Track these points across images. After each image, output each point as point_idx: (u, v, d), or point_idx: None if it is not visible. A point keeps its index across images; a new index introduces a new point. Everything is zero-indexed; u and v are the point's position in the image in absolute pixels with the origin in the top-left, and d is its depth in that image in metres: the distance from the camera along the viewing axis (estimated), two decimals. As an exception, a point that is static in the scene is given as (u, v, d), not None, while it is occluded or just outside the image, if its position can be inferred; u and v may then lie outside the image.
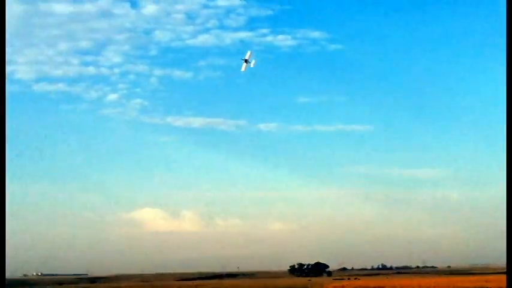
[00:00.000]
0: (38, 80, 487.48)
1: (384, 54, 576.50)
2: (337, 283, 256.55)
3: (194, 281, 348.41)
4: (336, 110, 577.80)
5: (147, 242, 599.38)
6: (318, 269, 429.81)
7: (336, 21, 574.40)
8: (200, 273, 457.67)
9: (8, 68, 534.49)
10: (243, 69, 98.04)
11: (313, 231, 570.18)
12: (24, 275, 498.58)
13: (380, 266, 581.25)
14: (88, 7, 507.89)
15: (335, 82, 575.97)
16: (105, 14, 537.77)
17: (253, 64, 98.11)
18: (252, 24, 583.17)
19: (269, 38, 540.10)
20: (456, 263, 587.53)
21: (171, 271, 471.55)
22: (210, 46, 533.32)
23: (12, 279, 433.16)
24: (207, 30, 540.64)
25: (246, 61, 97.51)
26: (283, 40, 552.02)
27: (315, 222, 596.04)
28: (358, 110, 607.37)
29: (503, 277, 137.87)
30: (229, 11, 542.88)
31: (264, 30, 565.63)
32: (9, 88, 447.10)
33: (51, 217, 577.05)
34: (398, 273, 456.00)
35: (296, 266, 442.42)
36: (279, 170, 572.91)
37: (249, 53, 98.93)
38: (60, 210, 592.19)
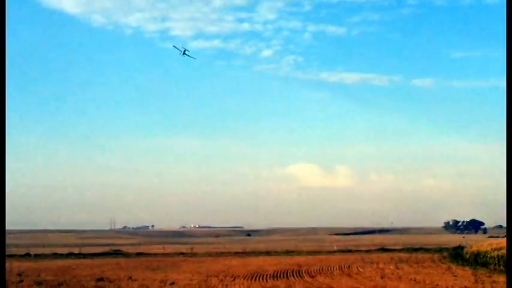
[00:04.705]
0: (194, 37, 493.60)
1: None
2: (493, 240, 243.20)
3: (348, 236, 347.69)
4: (491, 65, 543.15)
5: (301, 196, 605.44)
6: (473, 226, 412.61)
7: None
8: (353, 229, 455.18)
9: (164, 25, 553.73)
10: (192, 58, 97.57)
11: (469, 188, 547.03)
12: (183, 227, 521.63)
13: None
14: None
15: (491, 36, 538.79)
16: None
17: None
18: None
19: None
20: None
21: (325, 225, 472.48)
22: (363, 1, 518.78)
23: (170, 230, 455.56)
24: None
25: (184, 52, 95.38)
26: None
27: (470, 179, 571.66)
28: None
29: None
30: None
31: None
32: (165, 45, 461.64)
33: (209, 172, 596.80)
34: None
35: (451, 223, 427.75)
36: (434, 126, 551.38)
37: (179, 46, 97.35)
38: (217, 165, 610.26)
